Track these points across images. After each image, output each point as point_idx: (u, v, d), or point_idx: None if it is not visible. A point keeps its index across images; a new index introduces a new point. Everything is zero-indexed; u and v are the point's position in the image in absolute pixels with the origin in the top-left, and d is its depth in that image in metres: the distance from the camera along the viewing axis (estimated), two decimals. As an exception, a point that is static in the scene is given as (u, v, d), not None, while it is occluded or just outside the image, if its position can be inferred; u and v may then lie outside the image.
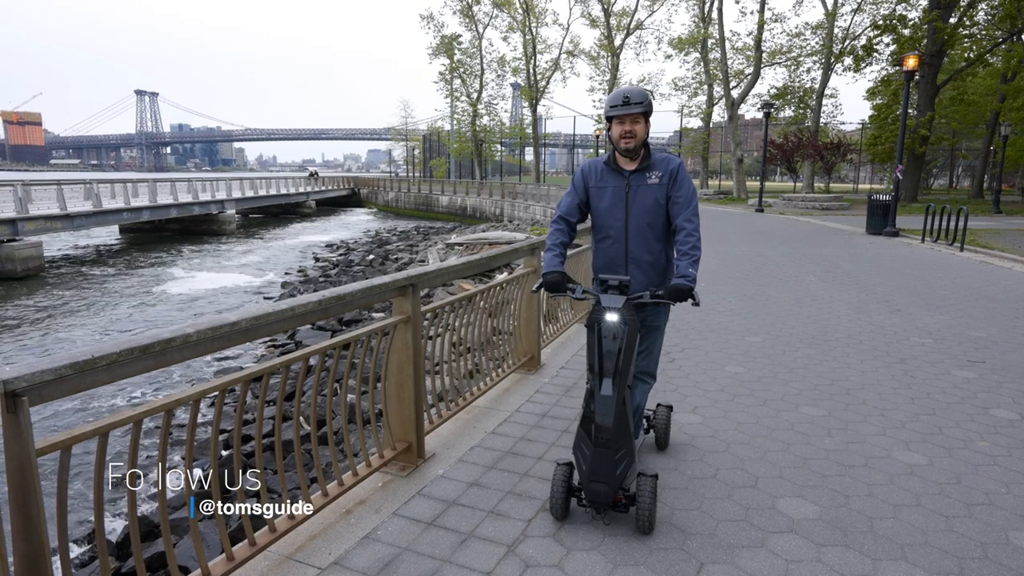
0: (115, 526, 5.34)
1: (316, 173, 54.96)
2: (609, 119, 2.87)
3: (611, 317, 2.62)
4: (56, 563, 1.83)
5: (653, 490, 2.65)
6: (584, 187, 3.03)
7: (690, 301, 2.69)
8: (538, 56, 47.82)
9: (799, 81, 38.11)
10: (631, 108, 2.79)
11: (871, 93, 35.89)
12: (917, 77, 23.67)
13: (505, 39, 63.17)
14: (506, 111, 61.86)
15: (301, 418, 5.43)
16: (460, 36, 48.98)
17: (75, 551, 4.71)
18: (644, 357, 3.09)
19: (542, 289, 2.90)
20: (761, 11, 36.03)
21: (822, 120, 38.00)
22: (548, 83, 48.54)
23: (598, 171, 3.01)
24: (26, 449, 1.61)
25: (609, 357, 2.59)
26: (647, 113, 2.85)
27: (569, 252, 4.24)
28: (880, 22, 30.53)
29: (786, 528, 2.75)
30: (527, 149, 58.57)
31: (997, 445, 3.63)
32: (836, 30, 35.26)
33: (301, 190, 47.41)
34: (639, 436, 3.23)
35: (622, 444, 2.60)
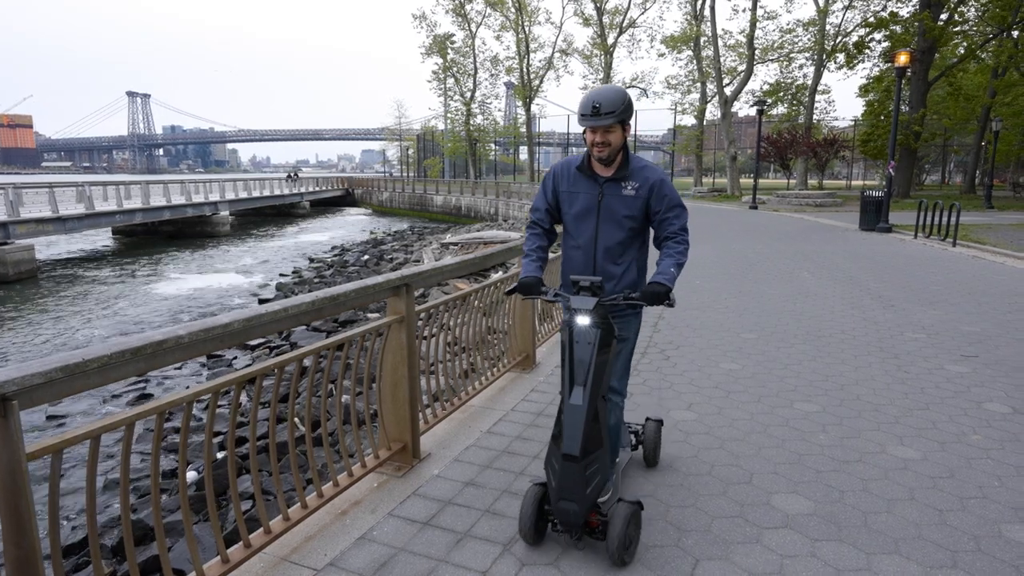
0: (109, 529, 5.31)
1: (296, 174, 54.19)
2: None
3: (582, 320, 2.43)
4: (48, 568, 1.82)
5: (629, 518, 2.41)
6: (554, 191, 2.82)
7: (665, 303, 2.51)
8: (531, 55, 47.91)
9: (792, 77, 38.28)
10: (601, 120, 2.50)
11: (863, 90, 36.08)
12: (909, 73, 23.77)
13: (498, 38, 63.20)
14: (500, 110, 61.78)
15: (296, 419, 5.41)
16: (453, 35, 48.99)
17: (68, 556, 4.68)
18: (613, 369, 2.75)
19: (515, 292, 2.75)
20: (753, 8, 36.13)
21: (815, 117, 38.15)
22: (542, 82, 48.65)
23: (570, 175, 2.77)
24: (16, 453, 1.60)
25: (580, 364, 2.41)
26: (624, 120, 2.57)
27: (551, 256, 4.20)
28: (871, 19, 30.67)
29: (781, 523, 2.76)
30: (521, 148, 58.59)
31: (990, 439, 3.65)
32: (828, 27, 35.40)
33: (296, 191, 47.29)
34: (619, 456, 2.96)
35: (593, 458, 2.38)
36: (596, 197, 2.70)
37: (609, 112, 2.50)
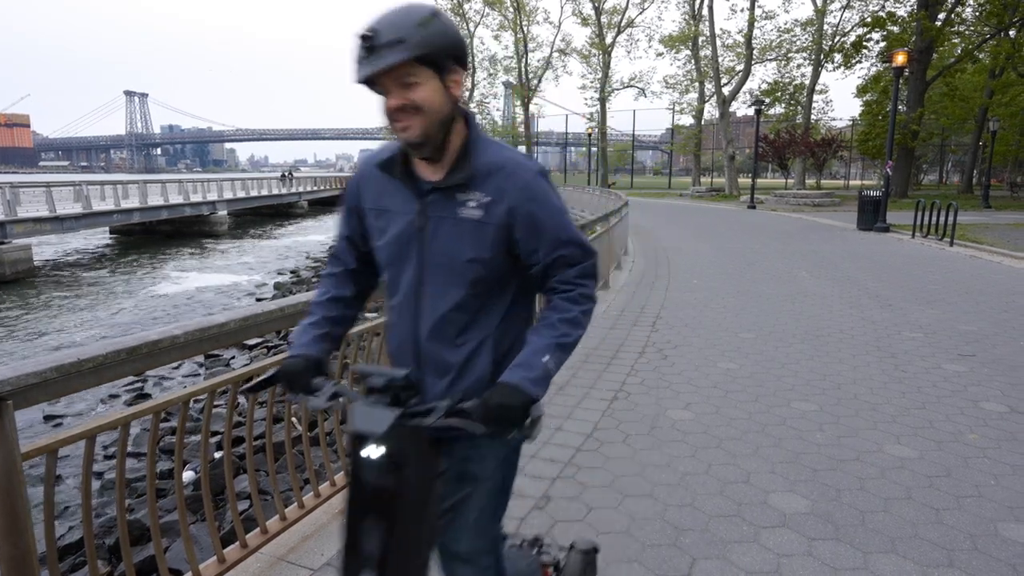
0: (105, 530, 5.31)
1: (289, 174, 53.86)
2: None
3: (371, 453, 1.24)
4: (44, 568, 1.82)
5: None
6: (357, 209, 1.55)
7: (521, 429, 1.28)
8: (530, 54, 47.98)
9: (790, 77, 38.34)
10: (382, 58, 1.22)
11: (861, 90, 36.16)
12: (906, 73, 23.83)
13: (496, 37, 63.11)
14: (498, 110, 61.91)
15: (293, 419, 5.41)
16: (451, 35, 48.97)
17: (65, 556, 4.68)
18: (456, 525, 1.50)
19: (266, 388, 1.47)
20: (751, 8, 36.16)
21: (813, 116, 38.20)
22: (540, 81, 48.71)
23: (376, 180, 1.49)
24: (12, 454, 1.60)
25: (367, 533, 1.25)
26: (435, 58, 1.27)
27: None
28: (869, 19, 30.74)
29: (778, 523, 2.77)
30: (519, 148, 58.64)
31: (987, 438, 3.66)
32: (826, 27, 35.43)
33: (293, 190, 47.27)
34: None
35: None
36: (414, 222, 1.42)
37: (394, 41, 1.22)
